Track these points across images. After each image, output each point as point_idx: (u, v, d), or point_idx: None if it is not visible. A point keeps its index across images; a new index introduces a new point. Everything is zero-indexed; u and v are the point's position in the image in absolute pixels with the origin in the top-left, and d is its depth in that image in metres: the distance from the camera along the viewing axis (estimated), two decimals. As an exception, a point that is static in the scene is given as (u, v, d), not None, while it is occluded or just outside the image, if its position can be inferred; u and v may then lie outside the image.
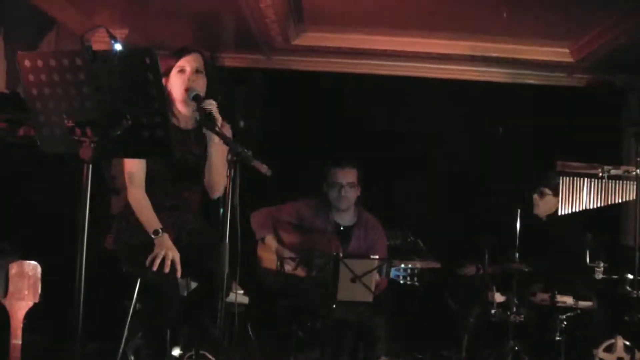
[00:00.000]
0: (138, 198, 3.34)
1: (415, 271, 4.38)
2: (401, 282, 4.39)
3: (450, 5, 5.08)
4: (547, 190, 4.87)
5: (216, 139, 3.20)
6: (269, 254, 4.68)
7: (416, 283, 4.36)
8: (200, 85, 3.36)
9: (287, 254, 4.58)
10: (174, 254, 3.17)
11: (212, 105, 3.13)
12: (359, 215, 4.79)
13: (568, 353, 4.39)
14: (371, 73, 6.23)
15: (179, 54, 3.39)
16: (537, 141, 5.93)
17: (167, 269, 3.12)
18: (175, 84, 3.36)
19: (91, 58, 2.35)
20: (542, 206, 4.92)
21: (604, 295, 4.50)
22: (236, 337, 3.32)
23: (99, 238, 3.37)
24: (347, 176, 4.70)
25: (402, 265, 4.39)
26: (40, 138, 2.52)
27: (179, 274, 3.18)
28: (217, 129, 3.15)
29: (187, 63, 3.37)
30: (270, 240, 4.67)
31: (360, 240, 4.70)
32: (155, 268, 3.11)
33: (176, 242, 3.26)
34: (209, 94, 3.37)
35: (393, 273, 4.40)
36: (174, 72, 3.37)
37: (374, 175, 5.02)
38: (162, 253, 3.14)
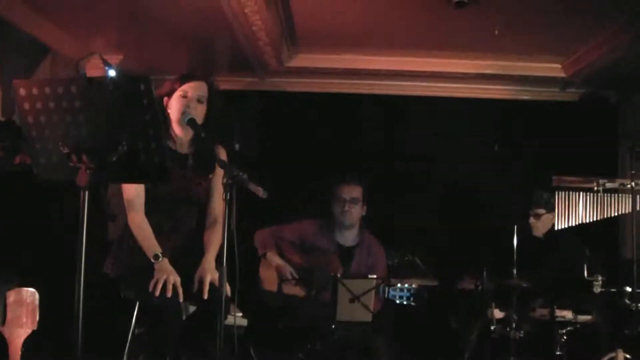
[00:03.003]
0: (138, 223, 3.35)
1: (412, 291, 4.35)
2: (397, 301, 4.36)
3: (442, 24, 5.11)
4: (541, 210, 4.88)
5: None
6: (270, 273, 4.67)
7: (412, 303, 4.33)
8: (199, 113, 3.39)
9: (288, 269, 4.58)
10: (175, 278, 3.17)
11: None
12: (362, 236, 4.80)
13: (569, 367, 4.38)
14: (365, 93, 6.26)
15: (185, 79, 3.44)
16: (532, 156, 5.95)
17: (169, 294, 3.13)
18: (175, 107, 3.40)
19: (86, 85, 2.37)
20: (541, 227, 4.93)
21: (604, 308, 4.49)
22: (237, 359, 3.31)
23: (97, 263, 3.36)
24: (351, 192, 4.73)
25: (399, 285, 4.38)
26: (36, 165, 2.53)
27: (181, 298, 3.18)
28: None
29: (191, 89, 3.41)
30: (272, 255, 4.67)
31: (362, 261, 4.71)
32: (157, 293, 3.11)
33: (175, 266, 3.25)
34: (208, 122, 3.41)
35: (390, 293, 4.37)
36: (176, 94, 3.41)
37: (371, 193, 5.03)
38: (163, 277, 3.15)
